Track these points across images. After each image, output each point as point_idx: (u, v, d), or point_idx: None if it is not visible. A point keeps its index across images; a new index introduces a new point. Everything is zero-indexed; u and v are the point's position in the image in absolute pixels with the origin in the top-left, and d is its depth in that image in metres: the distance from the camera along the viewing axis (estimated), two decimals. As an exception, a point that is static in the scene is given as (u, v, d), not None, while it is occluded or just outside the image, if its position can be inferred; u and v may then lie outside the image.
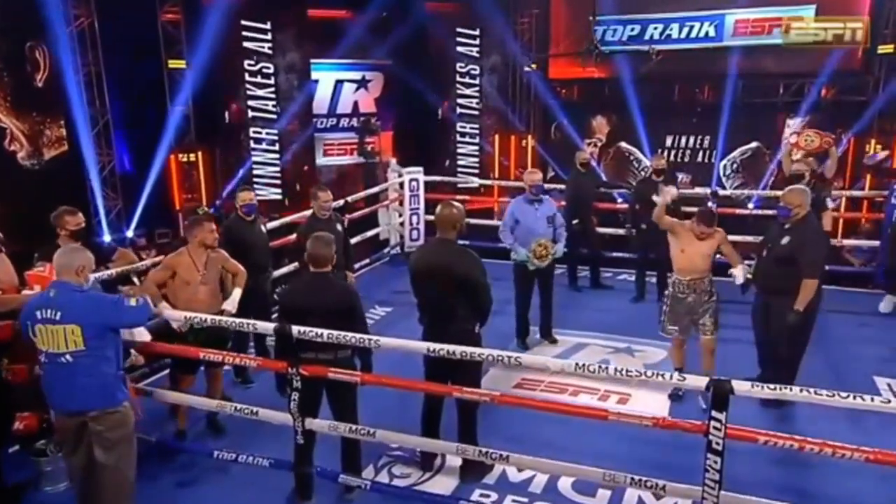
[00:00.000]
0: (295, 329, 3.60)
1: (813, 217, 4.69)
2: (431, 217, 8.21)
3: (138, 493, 3.57)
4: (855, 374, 5.11)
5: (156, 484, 4.00)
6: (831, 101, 9.78)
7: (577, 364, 3.32)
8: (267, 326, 3.82)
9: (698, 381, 3.12)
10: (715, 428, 3.03)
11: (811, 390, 2.99)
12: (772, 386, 3.09)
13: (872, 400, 2.90)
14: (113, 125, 9.19)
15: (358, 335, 3.60)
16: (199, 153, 9.66)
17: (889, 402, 2.90)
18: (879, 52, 9.17)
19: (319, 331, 3.55)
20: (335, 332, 3.55)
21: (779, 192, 5.07)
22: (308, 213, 5.64)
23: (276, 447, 4.04)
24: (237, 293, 4.52)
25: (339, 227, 5.46)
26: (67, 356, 3.24)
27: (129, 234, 9.29)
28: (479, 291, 3.94)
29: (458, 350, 3.43)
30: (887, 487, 3.62)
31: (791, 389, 3.08)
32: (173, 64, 9.52)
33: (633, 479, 3.25)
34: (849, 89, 9.70)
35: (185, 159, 9.57)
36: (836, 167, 7.11)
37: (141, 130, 9.68)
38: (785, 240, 4.57)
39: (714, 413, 3.03)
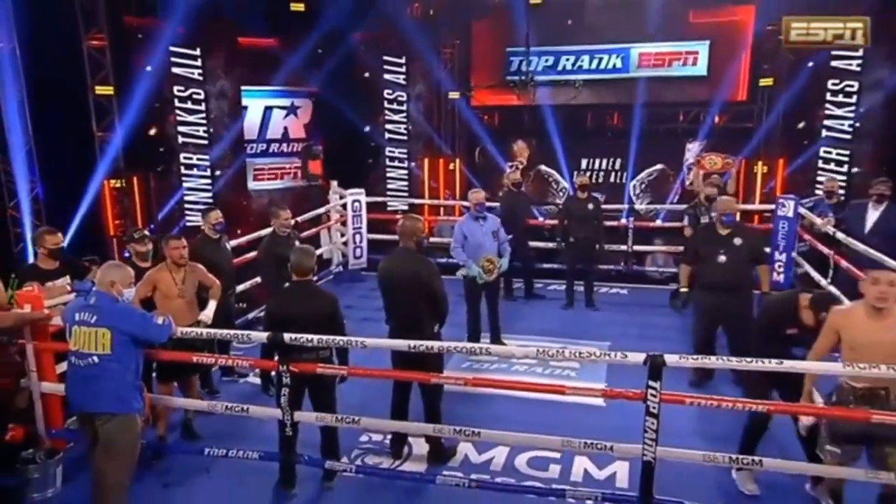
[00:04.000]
0: (287, 336, 4.03)
1: None
2: (373, 236, 8.95)
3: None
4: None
5: (143, 486, 4.26)
6: (724, 127, 10.98)
7: (537, 350, 3.98)
8: (260, 336, 4.22)
9: (637, 357, 3.82)
10: (651, 395, 3.72)
11: (724, 358, 3.79)
12: (695, 357, 3.85)
13: (770, 363, 3.72)
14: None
15: (345, 338, 4.11)
16: (135, 179, 9.77)
17: (781, 363, 3.69)
18: (761, 84, 10.43)
19: (310, 336, 4.01)
20: (324, 337, 4.04)
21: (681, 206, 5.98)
22: (268, 230, 6.08)
23: (252, 447, 4.41)
24: (212, 305, 4.94)
25: (297, 243, 5.92)
26: (95, 357, 3.60)
27: (56, 262, 9.23)
28: (438, 295, 4.51)
29: (436, 345, 4.00)
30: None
31: (710, 359, 3.86)
32: (100, 90, 9.59)
33: (585, 442, 3.89)
34: (737, 117, 10.96)
35: (116, 185, 9.64)
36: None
37: (57, 158, 9.64)
38: (737, 241, 5.46)
39: (650, 382, 3.73)
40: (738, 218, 5.70)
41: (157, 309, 4.63)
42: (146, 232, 5.34)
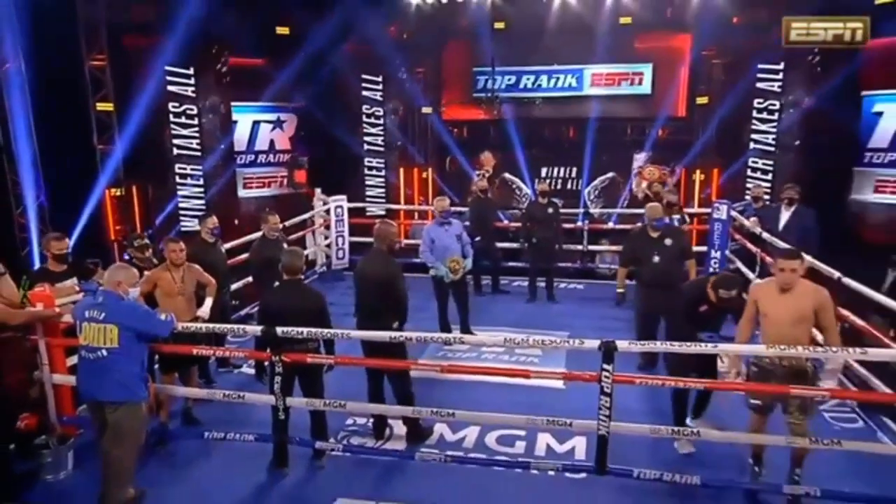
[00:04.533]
0: (279, 330, 4.04)
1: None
2: (354, 238, 8.95)
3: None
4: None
5: (148, 468, 4.26)
6: (666, 140, 11.22)
7: (504, 338, 4.05)
8: (255, 330, 4.23)
9: (592, 344, 3.91)
10: (605, 376, 3.83)
11: (667, 343, 3.92)
12: (642, 342, 3.97)
13: (706, 346, 3.87)
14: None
15: (331, 330, 4.13)
16: (134, 188, 9.63)
17: (716, 346, 3.85)
18: (698, 102, 10.69)
19: (300, 329, 4.03)
20: (313, 330, 4.06)
21: (639, 210, 6.14)
22: (258, 234, 6.06)
23: (248, 431, 4.41)
24: (209, 302, 4.92)
25: (285, 246, 5.91)
26: (103, 351, 3.57)
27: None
28: (397, 293, 4.53)
29: (415, 336, 4.04)
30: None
31: (655, 344, 3.98)
32: (101, 106, 9.43)
33: (548, 420, 3.99)
34: (677, 131, 11.20)
35: (116, 193, 9.50)
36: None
37: (61, 169, 9.45)
38: (668, 241, 5.65)
39: (604, 365, 3.83)
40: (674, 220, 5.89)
41: (159, 306, 4.60)
42: (146, 240, 5.25)
